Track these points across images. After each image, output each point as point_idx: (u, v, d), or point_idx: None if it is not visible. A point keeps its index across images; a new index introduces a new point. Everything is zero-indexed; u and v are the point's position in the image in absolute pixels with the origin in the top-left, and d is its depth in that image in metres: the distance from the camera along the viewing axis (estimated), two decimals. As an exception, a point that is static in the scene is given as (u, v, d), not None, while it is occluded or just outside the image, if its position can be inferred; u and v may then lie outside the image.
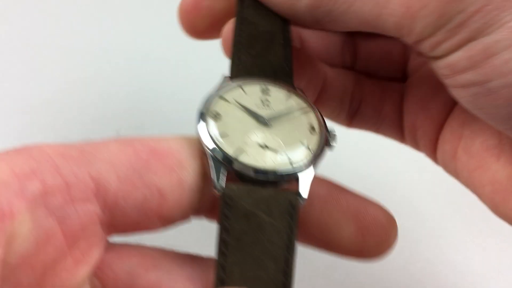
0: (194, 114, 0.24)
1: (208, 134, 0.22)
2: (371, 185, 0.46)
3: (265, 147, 0.23)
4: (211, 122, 0.23)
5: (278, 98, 0.25)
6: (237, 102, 0.24)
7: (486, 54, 0.21)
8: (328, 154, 0.25)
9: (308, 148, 0.23)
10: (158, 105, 0.51)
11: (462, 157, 0.28)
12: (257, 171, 0.22)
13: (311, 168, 0.23)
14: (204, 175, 0.22)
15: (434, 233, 0.43)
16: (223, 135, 0.22)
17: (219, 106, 0.24)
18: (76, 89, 0.51)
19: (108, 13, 0.59)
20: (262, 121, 0.23)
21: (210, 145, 0.22)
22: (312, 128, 0.24)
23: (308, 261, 0.40)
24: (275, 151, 0.23)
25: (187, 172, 0.22)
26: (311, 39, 0.33)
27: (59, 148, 0.20)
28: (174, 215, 0.22)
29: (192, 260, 0.23)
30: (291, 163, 0.22)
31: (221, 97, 0.24)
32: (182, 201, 0.22)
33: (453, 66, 0.22)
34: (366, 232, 0.24)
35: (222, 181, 0.22)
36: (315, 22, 0.26)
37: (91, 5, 0.60)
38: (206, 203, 0.23)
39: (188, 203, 0.22)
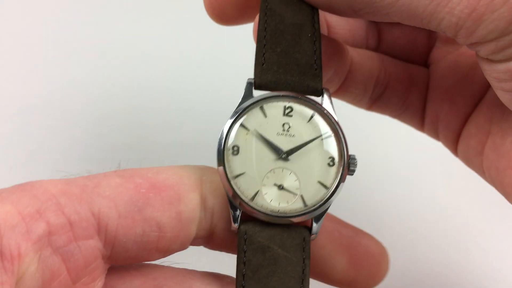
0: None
1: (226, 176, 0.23)
2: (372, 184, 0.46)
3: (281, 188, 0.23)
4: (230, 159, 0.23)
5: (300, 122, 0.24)
6: (257, 132, 0.23)
7: None
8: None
9: (325, 187, 0.23)
10: (158, 105, 0.51)
11: (490, 155, 0.27)
12: (270, 215, 0.23)
13: (327, 204, 0.23)
14: (203, 206, 0.23)
15: (434, 233, 0.43)
16: (240, 174, 0.23)
17: (238, 137, 0.23)
18: (76, 88, 0.51)
19: (111, 14, 0.59)
20: (280, 155, 0.23)
21: (228, 190, 0.23)
22: (332, 160, 0.24)
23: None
24: (290, 192, 0.23)
25: (185, 205, 0.22)
26: (337, 23, 0.32)
27: (62, 185, 0.20)
28: (172, 247, 0.22)
29: (189, 276, 0.24)
30: (305, 206, 0.23)
31: (242, 125, 0.23)
32: (180, 234, 0.22)
33: None
34: (359, 263, 0.25)
35: (239, 218, 0.23)
36: (352, 12, 0.25)
37: (95, 7, 0.60)
38: (204, 233, 0.23)
39: (186, 235, 0.23)
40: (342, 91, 0.31)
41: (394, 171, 0.47)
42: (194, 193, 0.22)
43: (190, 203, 0.22)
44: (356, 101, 0.33)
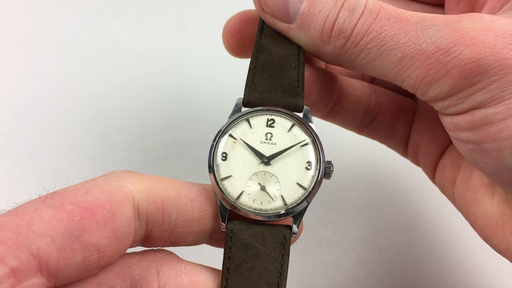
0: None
1: (215, 179, 0.26)
2: (372, 184, 0.46)
3: (263, 189, 0.26)
4: (219, 163, 0.26)
5: (281, 132, 0.27)
6: (243, 141, 0.27)
7: (484, 121, 0.25)
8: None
9: (303, 188, 0.26)
10: (158, 105, 0.51)
11: (460, 186, 0.31)
12: (253, 213, 0.25)
13: (305, 203, 0.26)
14: (136, 217, 0.24)
15: (434, 233, 0.43)
16: (227, 176, 0.26)
17: (227, 145, 0.27)
18: (76, 89, 0.52)
19: (111, 15, 0.59)
20: (263, 161, 0.26)
21: (217, 191, 0.25)
22: (309, 164, 0.26)
23: (308, 261, 0.41)
24: (272, 193, 0.26)
25: (119, 222, 0.23)
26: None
27: None
28: (111, 261, 0.23)
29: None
30: (285, 205, 0.26)
31: (230, 135, 0.27)
32: (118, 248, 0.23)
33: (456, 124, 0.26)
34: None
35: (226, 218, 0.25)
36: (335, 63, 0.29)
37: (95, 9, 0.60)
38: (139, 238, 0.25)
39: (123, 248, 0.24)
40: (332, 115, 0.35)
41: (394, 170, 0.47)
42: (126, 207, 0.23)
43: (124, 218, 0.23)
44: (346, 125, 0.37)
